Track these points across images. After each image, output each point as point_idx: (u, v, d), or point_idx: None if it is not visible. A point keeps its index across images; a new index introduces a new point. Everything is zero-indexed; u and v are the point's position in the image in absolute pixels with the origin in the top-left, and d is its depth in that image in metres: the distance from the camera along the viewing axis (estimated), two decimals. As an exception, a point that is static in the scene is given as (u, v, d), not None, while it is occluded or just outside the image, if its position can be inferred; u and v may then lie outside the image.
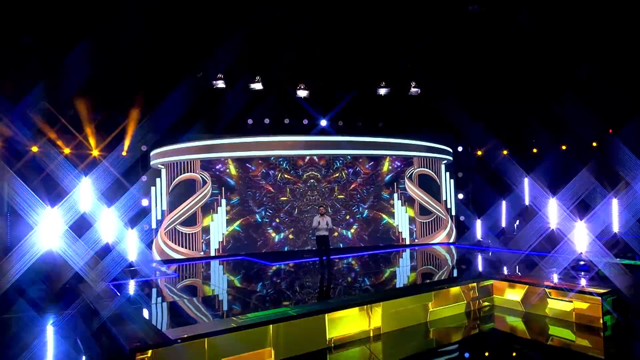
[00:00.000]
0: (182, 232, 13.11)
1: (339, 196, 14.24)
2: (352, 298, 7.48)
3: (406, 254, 13.36)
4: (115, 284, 9.51)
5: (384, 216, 14.44)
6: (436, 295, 7.85)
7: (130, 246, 11.80)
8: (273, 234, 13.93)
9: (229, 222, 13.49)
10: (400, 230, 14.58)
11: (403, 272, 10.98)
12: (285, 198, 13.96)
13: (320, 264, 10.16)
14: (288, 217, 14.00)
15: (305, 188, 13.99)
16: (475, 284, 8.40)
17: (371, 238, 14.31)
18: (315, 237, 9.94)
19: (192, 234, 13.24)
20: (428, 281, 9.35)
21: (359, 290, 8.53)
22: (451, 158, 15.24)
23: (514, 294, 8.38)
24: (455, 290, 8.12)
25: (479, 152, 15.16)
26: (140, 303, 8.11)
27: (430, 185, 14.76)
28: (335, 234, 11.04)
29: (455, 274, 10.24)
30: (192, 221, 13.20)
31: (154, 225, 12.99)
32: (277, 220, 13.87)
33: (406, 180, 14.66)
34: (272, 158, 13.97)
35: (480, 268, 10.64)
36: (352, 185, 14.32)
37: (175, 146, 13.01)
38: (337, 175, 14.24)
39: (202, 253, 13.27)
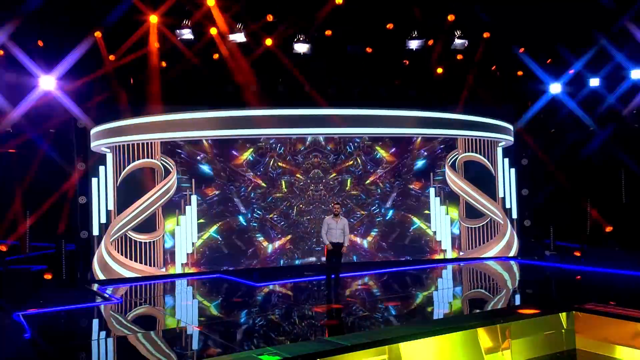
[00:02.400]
0: (135, 241, 12.02)
1: (352, 192, 13.28)
2: (369, 335, 6.73)
3: (447, 272, 12.48)
4: (27, 314, 8.43)
5: (414, 219, 13.60)
6: (496, 332, 7.08)
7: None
8: (264, 243, 12.97)
9: (202, 226, 12.51)
10: (438, 240, 13.21)
11: (443, 298, 10.00)
12: (280, 194, 13.05)
13: (328, 284, 9.33)
14: (284, 219, 13.05)
15: (306, 181, 13.07)
16: (562, 317, 7.41)
17: (396, 249, 13.48)
18: (325, 246, 9.34)
19: (150, 243, 12.12)
20: (479, 311, 8.56)
21: (378, 323, 7.86)
22: (512, 139, 13.90)
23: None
24: (528, 325, 7.33)
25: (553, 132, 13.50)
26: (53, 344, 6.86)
27: (481, 177, 13.72)
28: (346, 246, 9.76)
29: (522, 301, 9.12)
30: (151, 226, 12.14)
31: (95, 232, 11.74)
32: (269, 224, 12.93)
33: (447, 170, 13.59)
34: (261, 140, 12.82)
35: (563, 294, 9.75)
36: (371, 177, 13.44)
37: (125, 122, 11.93)
38: (349, 163, 13.35)
39: (163, 270, 12.15)
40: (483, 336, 7.17)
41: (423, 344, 6.72)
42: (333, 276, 9.54)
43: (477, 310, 8.63)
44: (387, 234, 13.44)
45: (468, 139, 13.72)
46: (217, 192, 12.60)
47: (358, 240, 13.29)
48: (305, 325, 7.84)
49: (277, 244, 12.93)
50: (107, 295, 10.20)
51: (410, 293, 10.26)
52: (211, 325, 7.96)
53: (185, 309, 9.48)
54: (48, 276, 11.15)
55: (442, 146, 13.68)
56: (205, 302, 10.00)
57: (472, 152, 13.74)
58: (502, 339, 7.23)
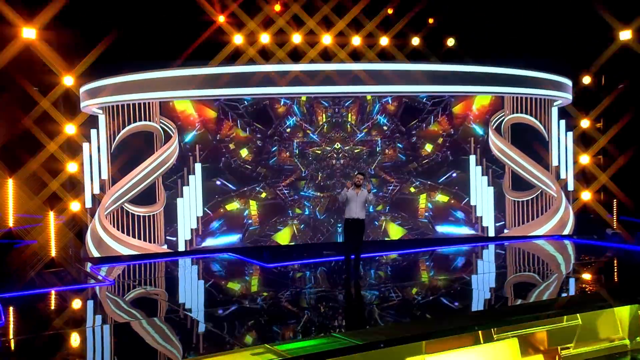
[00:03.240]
0: (133, 215, 11.53)
1: (380, 161, 12.55)
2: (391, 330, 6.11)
3: (488, 253, 11.63)
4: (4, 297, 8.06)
5: (449, 191, 12.76)
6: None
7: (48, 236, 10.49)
8: (277, 219, 12.30)
9: (208, 198, 11.83)
10: (478, 215, 12.39)
11: (481, 285, 9.09)
12: (299, 163, 12.31)
13: (347, 266, 8.65)
14: (298, 193, 12.33)
15: (326, 149, 12.26)
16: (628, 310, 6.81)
17: (427, 226, 12.75)
18: (344, 221, 8.66)
19: (149, 217, 11.60)
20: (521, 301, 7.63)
21: (406, 316, 7.06)
22: (570, 97, 12.81)
23: None
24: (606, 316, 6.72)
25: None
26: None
27: (531, 143, 12.75)
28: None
29: (580, 290, 8.19)
30: (150, 197, 11.61)
31: (88, 204, 11.26)
32: (284, 197, 12.25)
33: (490, 134, 12.64)
34: (280, 101, 12.05)
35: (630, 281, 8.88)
36: (400, 143, 12.55)
37: (119, 79, 11.27)
38: (375, 129, 12.51)
39: (165, 247, 11.63)
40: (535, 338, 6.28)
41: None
42: (353, 257, 8.71)
43: (521, 301, 7.71)
44: (417, 208, 12.58)
45: (516, 98, 12.62)
46: (224, 160, 11.92)
47: (383, 217, 12.53)
48: (310, 317, 7.10)
49: (295, 218, 12.22)
50: (99, 277, 9.68)
51: (441, 278, 9.42)
52: (206, 316, 7.29)
53: (179, 294, 8.83)
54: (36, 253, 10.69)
55: (485, 107, 12.61)
56: (204, 286, 9.41)
57: (521, 113, 12.65)
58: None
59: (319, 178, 12.23)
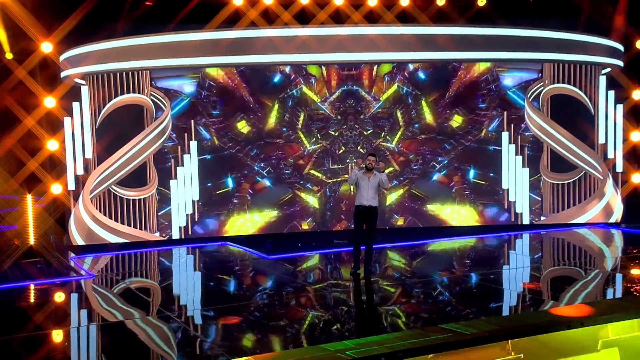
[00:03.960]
0: (122, 198, 11.01)
1: (397, 138, 11.82)
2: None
3: (521, 244, 11.08)
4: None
5: (478, 173, 12.07)
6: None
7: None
8: (281, 203, 11.72)
9: (205, 180, 11.34)
10: (511, 200, 11.80)
11: (513, 282, 8.41)
12: (307, 140, 11.69)
13: (355, 259, 8.12)
14: (302, 175, 11.72)
15: (337, 123, 11.61)
16: None
17: (453, 212, 12.09)
18: (354, 209, 8.08)
19: (139, 200, 11.09)
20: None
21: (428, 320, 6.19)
22: (621, 63, 11.99)
23: None
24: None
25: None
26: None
27: (574, 117, 11.95)
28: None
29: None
30: (140, 179, 11.09)
31: (71, 186, 10.76)
32: (287, 178, 11.65)
33: (526, 108, 11.81)
34: (280, 69, 11.41)
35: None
36: (421, 119, 11.83)
37: (105, 45, 10.70)
38: (393, 100, 11.72)
39: (157, 234, 11.11)
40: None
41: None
42: (364, 247, 8.09)
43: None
44: (442, 192, 11.88)
45: (558, 66, 11.75)
46: (222, 139, 11.28)
47: (406, 203, 11.86)
48: (301, 323, 6.36)
49: (301, 202, 11.60)
50: (80, 269, 9.15)
51: (470, 270, 8.68)
52: (192, 319, 6.65)
53: (166, 292, 8.19)
54: (16, 241, 10.18)
55: (521, 77, 11.80)
56: (194, 283, 8.83)
57: (562, 82, 11.79)
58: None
59: (332, 157, 11.51)
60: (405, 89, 11.55)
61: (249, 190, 11.37)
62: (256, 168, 11.37)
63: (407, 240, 10.58)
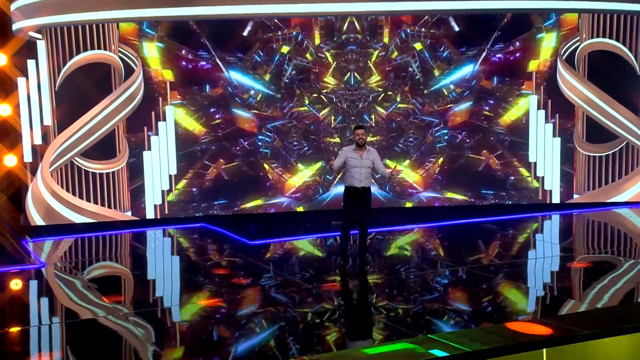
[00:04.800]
0: (87, 172, 9.96)
1: (401, 105, 10.65)
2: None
3: (551, 226, 9.95)
4: None
5: (500, 144, 10.88)
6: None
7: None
8: (271, 178, 10.67)
9: (183, 154, 10.30)
10: (539, 175, 10.67)
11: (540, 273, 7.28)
12: (301, 108, 10.50)
13: (344, 248, 7.18)
14: (300, 145, 10.61)
15: (338, 87, 10.47)
16: None
17: (470, 190, 10.78)
18: (345, 190, 7.22)
19: (108, 175, 10.02)
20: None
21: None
22: None
23: None
24: None
25: None
26: None
27: (615, 78, 10.71)
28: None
29: None
30: (108, 150, 10.03)
31: (27, 158, 9.68)
32: (282, 149, 10.57)
33: (559, 67, 10.53)
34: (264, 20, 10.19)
35: None
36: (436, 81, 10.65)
37: None
38: (401, 59, 10.49)
39: (129, 214, 10.07)
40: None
41: None
42: (355, 232, 7.15)
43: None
44: (456, 166, 10.74)
45: (598, 17, 10.48)
46: (202, 104, 10.14)
47: (412, 176, 10.68)
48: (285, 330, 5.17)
49: (294, 178, 10.46)
50: (30, 256, 7.96)
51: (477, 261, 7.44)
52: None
53: (118, 286, 6.99)
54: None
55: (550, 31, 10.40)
56: (157, 276, 7.64)
57: (602, 37, 10.50)
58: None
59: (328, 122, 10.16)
60: (419, 55, 10.19)
61: (233, 163, 10.25)
62: (241, 140, 10.20)
63: (415, 223, 9.39)
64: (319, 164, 10.43)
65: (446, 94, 10.42)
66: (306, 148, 10.46)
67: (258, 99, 10.14)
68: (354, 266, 7.03)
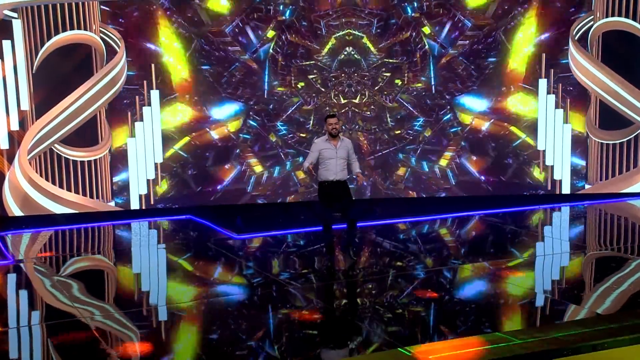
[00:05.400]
0: (67, 160, 9.46)
1: (408, 83, 10.07)
2: None
3: (560, 218, 9.33)
4: None
5: (510, 129, 10.14)
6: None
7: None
8: (258, 169, 10.11)
9: (169, 139, 9.73)
10: (548, 164, 10.16)
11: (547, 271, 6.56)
12: (290, 88, 9.97)
13: (328, 240, 6.62)
14: (295, 131, 10.05)
15: (333, 68, 9.93)
16: None
17: (470, 181, 10.21)
18: (319, 185, 6.62)
19: (89, 162, 9.50)
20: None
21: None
22: None
23: None
24: None
25: None
26: None
27: (630, 59, 10.06)
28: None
29: None
30: (90, 137, 9.53)
31: (4, 145, 9.22)
32: (273, 137, 10.04)
33: (571, 48, 9.90)
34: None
35: None
36: (445, 59, 10.03)
37: None
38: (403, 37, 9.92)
39: (112, 204, 9.61)
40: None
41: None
42: (331, 228, 6.48)
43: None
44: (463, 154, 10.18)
45: None
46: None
47: (412, 163, 10.12)
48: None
49: (283, 170, 9.96)
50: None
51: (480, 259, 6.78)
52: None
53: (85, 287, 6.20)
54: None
55: (561, 9, 9.79)
56: (118, 279, 6.87)
57: (618, 16, 9.78)
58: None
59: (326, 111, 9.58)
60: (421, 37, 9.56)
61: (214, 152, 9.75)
62: (242, 122, 9.68)
63: (414, 215, 8.76)
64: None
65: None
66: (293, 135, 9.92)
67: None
68: (339, 264, 6.40)
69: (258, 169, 9.83)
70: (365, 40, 9.66)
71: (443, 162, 10.05)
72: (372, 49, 9.70)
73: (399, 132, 9.87)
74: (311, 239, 7.58)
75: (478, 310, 5.00)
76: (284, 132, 9.79)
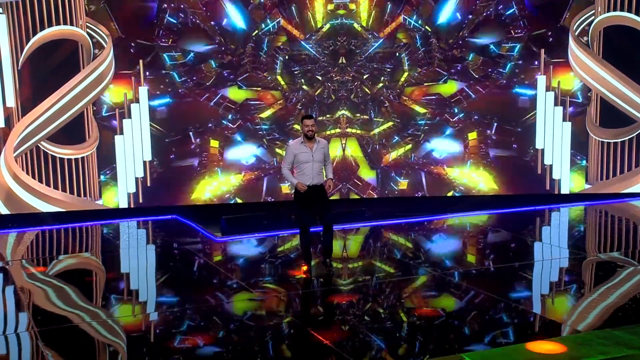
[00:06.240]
0: (54, 157, 9.25)
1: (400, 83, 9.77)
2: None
3: (559, 219, 9.12)
4: None
5: (505, 128, 9.93)
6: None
7: None
8: (253, 165, 9.90)
9: (157, 136, 9.52)
10: (547, 163, 9.80)
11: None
12: (283, 82, 9.67)
13: (306, 248, 6.27)
14: (280, 131, 9.76)
15: (327, 63, 9.63)
16: None
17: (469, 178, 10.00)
18: (295, 189, 6.22)
19: (76, 160, 9.27)
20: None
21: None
22: None
23: None
24: None
25: None
26: None
27: (633, 56, 9.69)
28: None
29: None
30: (76, 134, 9.30)
31: None
32: (263, 138, 9.74)
33: (571, 45, 9.50)
34: None
35: None
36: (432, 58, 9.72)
37: None
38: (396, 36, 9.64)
39: (99, 202, 9.37)
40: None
41: None
42: (311, 233, 6.19)
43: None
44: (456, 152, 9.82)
45: None
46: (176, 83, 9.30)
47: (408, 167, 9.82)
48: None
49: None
50: None
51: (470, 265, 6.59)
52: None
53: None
54: None
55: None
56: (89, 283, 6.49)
57: (620, 10, 9.38)
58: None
59: (319, 108, 9.29)
60: (411, 22, 9.24)
61: (217, 149, 9.43)
62: (224, 122, 9.36)
63: (405, 217, 8.51)
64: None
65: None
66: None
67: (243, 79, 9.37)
68: (315, 271, 6.06)
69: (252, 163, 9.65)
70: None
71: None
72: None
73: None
74: (290, 243, 7.28)
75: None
76: (270, 131, 9.53)
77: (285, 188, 9.34)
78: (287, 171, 6.01)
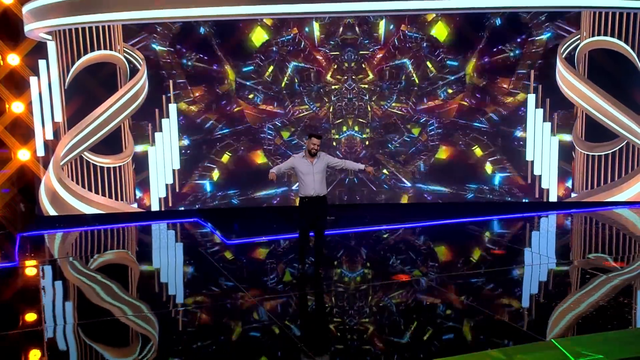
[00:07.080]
0: (95, 166, 10.19)
1: (395, 104, 10.39)
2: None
3: (547, 227, 9.43)
4: None
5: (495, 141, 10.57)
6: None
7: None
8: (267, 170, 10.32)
9: (185, 147, 10.38)
10: (536, 174, 10.42)
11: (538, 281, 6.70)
12: (300, 106, 10.41)
13: (301, 253, 6.64)
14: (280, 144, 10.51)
15: (338, 85, 10.33)
16: None
17: (457, 186, 10.50)
18: (299, 200, 6.57)
19: (114, 169, 10.22)
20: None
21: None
22: None
23: None
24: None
25: None
26: None
27: (616, 76, 10.18)
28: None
29: None
30: (114, 145, 10.19)
31: (40, 152, 9.96)
32: (282, 145, 10.48)
33: (558, 66, 10.11)
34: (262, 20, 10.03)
35: None
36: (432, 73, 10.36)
37: None
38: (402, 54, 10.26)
39: (135, 206, 10.31)
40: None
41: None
42: (312, 234, 6.60)
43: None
44: (448, 163, 10.41)
45: (597, 14, 9.86)
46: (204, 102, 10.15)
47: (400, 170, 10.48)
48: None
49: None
50: (11, 252, 7.94)
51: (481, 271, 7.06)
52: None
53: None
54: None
55: (551, 29, 9.98)
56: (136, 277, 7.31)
57: (604, 35, 9.92)
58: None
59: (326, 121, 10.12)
60: (414, 35, 10.00)
61: (231, 158, 10.29)
62: (236, 135, 10.22)
63: (403, 223, 9.14)
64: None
65: (440, 92, 10.15)
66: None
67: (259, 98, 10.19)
68: (307, 276, 6.43)
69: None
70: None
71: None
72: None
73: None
74: (292, 247, 7.58)
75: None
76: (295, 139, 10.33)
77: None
78: (274, 168, 6.52)
